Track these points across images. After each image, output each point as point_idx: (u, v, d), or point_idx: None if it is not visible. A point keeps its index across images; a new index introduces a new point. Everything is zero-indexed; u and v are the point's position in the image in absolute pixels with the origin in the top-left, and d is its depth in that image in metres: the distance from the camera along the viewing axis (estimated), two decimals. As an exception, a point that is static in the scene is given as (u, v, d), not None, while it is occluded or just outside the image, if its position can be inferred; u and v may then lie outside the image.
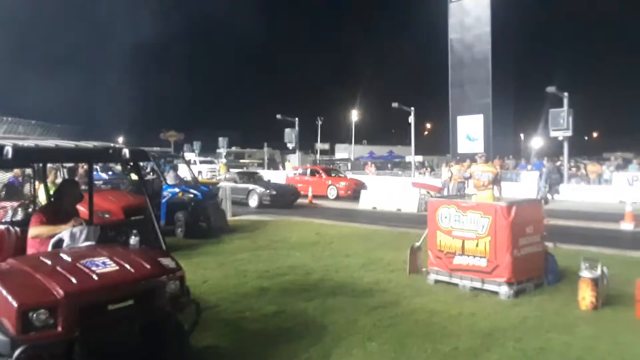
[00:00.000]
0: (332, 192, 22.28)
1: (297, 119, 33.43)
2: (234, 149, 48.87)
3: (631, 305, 5.67)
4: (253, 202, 18.35)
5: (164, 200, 11.18)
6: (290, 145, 34.96)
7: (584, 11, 75.00)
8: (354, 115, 50.52)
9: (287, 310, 5.93)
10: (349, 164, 42.32)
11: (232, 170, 26.95)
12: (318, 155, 41.45)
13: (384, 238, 11.31)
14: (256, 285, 7.09)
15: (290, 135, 33.68)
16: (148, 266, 3.96)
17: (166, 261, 4.20)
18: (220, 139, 40.51)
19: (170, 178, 12.15)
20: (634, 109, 69.24)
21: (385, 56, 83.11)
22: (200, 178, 17.20)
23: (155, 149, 20.67)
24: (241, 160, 44.69)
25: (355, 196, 20.37)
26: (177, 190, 11.64)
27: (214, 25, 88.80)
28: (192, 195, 11.64)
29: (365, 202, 18.79)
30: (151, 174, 12.41)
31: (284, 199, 18.42)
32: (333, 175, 24.58)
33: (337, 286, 7.03)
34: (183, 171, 14.48)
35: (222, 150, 40.84)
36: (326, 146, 50.97)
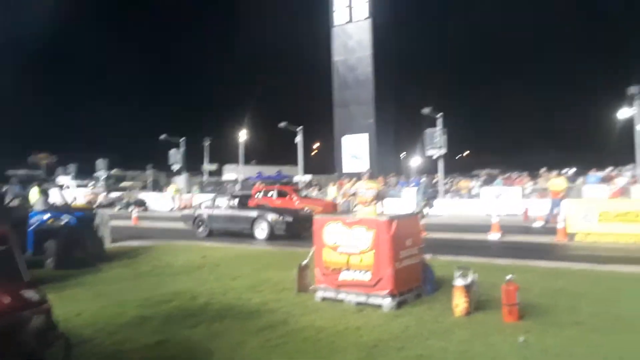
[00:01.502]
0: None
1: (182, 139, 32.51)
2: (114, 171, 46.17)
3: (499, 309, 6.15)
4: (261, 232, 14.90)
5: (30, 229, 10.22)
6: (175, 167, 33.87)
7: (456, 37, 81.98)
8: (243, 135, 50.29)
9: (171, 339, 5.64)
10: (237, 185, 41.89)
11: (213, 191, 24.48)
12: (205, 177, 40.49)
13: (273, 258, 11.28)
14: (137, 314, 6.68)
15: (176, 157, 32.73)
16: (5, 300, 3.57)
17: (29, 294, 3.82)
18: (99, 161, 38.11)
19: (38, 203, 11.13)
20: (500, 130, 76.59)
21: (274, 76, 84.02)
22: (76, 203, 15.41)
23: (20, 172, 18.72)
24: (122, 184, 42.32)
25: None
26: (46, 216, 10.68)
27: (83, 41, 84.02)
28: (64, 222, 10.73)
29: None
30: (15, 199, 11.30)
31: (301, 227, 14.62)
32: (304, 196, 22.53)
33: (223, 309, 6.85)
34: (66, 195, 13.32)
35: (102, 173, 38.44)
36: (214, 167, 50.07)
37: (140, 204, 30.05)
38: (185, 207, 30.56)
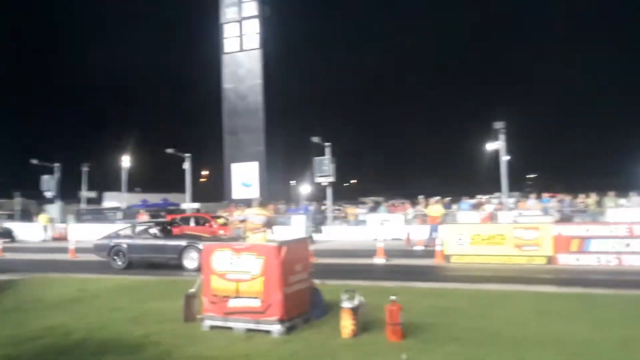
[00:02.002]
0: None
1: (57, 164, 30.19)
2: (-25, 198, 41.54)
3: (384, 329, 6.38)
4: (191, 262, 13.67)
5: None
6: (49, 194, 31.29)
7: (343, 69, 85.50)
8: (126, 161, 47.92)
9: (39, 380, 5.12)
10: (120, 213, 39.61)
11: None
12: (83, 205, 37.76)
13: (157, 288, 10.73)
14: (1, 354, 5.99)
15: (49, 183, 30.25)
16: None
17: None
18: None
19: None
20: (384, 160, 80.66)
21: (161, 102, 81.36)
22: None
23: None
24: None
25: None
26: None
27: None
28: None
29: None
30: None
31: None
32: (225, 224, 20.84)
33: (102, 345, 6.36)
34: None
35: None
36: (93, 194, 46.96)
37: (6, 234, 27.26)
38: (59, 238, 28.25)
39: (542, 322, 7.03)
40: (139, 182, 55.76)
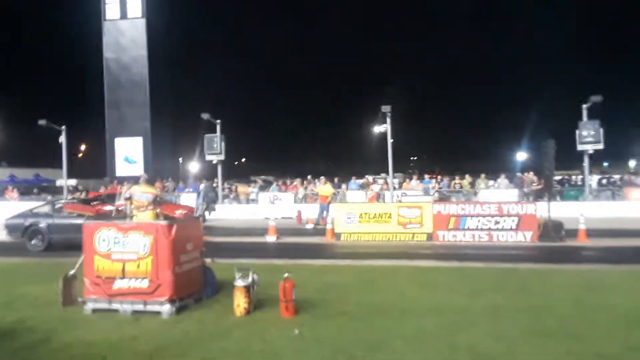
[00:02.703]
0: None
1: None
2: None
3: (277, 306, 6.44)
4: None
5: None
6: None
7: (235, 43, 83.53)
8: (-11, 132, 43.22)
9: None
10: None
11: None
12: None
13: (32, 270, 9.91)
14: None
15: None
16: None
17: None
18: None
19: None
20: (274, 140, 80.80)
21: (34, 68, 73.61)
22: None
23: None
24: None
25: None
26: None
27: None
28: None
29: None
30: None
31: None
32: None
33: (-34, 334, 5.74)
34: None
35: None
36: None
37: None
38: None
39: (423, 294, 7.54)
40: (6, 155, 50.65)
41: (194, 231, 7.45)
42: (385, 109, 19.97)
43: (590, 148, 20.80)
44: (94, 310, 6.61)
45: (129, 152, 36.59)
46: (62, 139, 24.95)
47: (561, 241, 13.11)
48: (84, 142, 56.13)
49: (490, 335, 5.51)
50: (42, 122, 24.16)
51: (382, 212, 14.52)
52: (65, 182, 26.59)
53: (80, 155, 56.47)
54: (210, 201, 21.79)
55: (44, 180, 46.88)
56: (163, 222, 6.83)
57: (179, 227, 6.78)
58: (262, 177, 40.02)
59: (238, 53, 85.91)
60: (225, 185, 27.45)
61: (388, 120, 20.48)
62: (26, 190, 35.29)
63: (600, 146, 20.63)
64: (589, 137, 20.48)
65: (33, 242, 13.67)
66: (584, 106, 20.53)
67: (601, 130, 20.44)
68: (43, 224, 13.69)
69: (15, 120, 48.52)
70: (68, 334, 5.73)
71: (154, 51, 37.70)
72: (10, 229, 14.31)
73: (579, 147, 20.87)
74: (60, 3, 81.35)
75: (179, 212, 17.07)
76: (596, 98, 19.97)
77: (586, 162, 21.50)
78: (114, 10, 38.30)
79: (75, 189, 31.09)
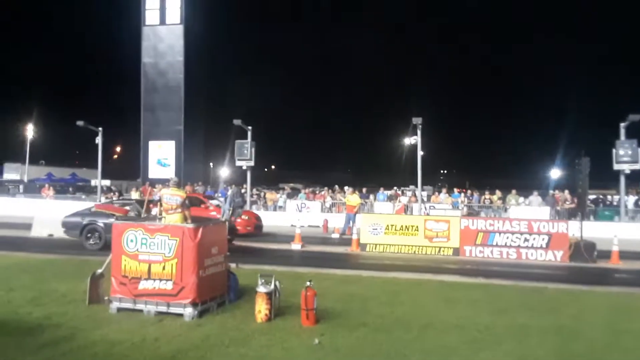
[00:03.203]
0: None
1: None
2: None
3: (298, 314, 6.43)
4: None
5: None
6: None
7: (271, 50, 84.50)
8: (30, 131, 44.64)
9: None
10: (21, 186, 36.94)
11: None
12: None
13: (61, 267, 10.14)
14: None
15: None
16: None
17: None
18: None
19: None
20: (305, 149, 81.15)
21: (75, 73, 76.07)
22: None
23: None
24: None
25: (257, 234, 17.32)
26: None
27: None
28: None
29: (40, 229, 16.47)
30: None
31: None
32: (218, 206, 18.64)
33: (-5, 325, 5.91)
34: None
35: None
36: (-10, 165, 43.46)
37: None
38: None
39: (446, 309, 7.42)
40: (44, 154, 52.28)
41: (220, 235, 7.51)
42: (416, 120, 19.83)
43: (627, 167, 20.18)
44: (119, 310, 6.73)
45: (161, 155, 37.20)
46: (99, 140, 25.62)
47: (593, 262, 12.74)
48: (119, 144, 57.59)
49: (513, 355, 5.38)
50: (80, 123, 24.88)
51: (408, 224, 14.39)
52: (99, 182, 27.26)
53: (115, 156, 57.90)
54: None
55: (80, 179, 48.17)
56: (189, 225, 6.91)
57: (205, 231, 6.85)
58: (291, 184, 40.22)
59: (271, 63, 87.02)
60: (254, 191, 27.66)
61: (419, 132, 20.34)
62: (62, 188, 36.36)
63: (638, 166, 19.98)
64: (626, 156, 19.87)
65: (91, 241, 13.63)
66: (622, 125, 19.97)
67: (639, 150, 19.83)
68: (100, 223, 13.62)
69: (54, 120, 50.13)
70: (92, 332, 5.84)
71: (190, 57, 38.34)
72: (68, 227, 14.29)
73: (615, 167, 20.26)
74: (102, 9, 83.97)
75: (212, 213, 17.39)
76: (635, 117, 19.41)
77: (622, 182, 20.86)
78: (153, 16, 39.17)
79: (108, 190, 31.85)
